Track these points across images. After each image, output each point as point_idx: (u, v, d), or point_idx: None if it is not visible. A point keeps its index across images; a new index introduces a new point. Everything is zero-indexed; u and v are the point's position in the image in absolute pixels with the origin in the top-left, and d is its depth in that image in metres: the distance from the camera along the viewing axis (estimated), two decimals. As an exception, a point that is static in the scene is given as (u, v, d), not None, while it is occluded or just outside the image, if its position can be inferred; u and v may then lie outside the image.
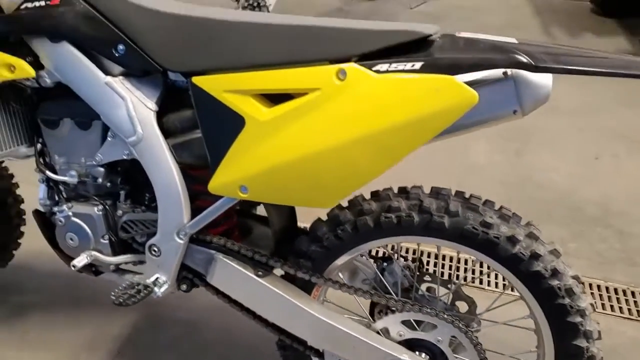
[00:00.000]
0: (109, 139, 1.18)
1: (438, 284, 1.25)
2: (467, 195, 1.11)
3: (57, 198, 1.32)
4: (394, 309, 1.15)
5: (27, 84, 1.19)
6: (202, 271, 1.24)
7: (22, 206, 1.69)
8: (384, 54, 0.96)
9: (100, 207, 1.26)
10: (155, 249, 1.21)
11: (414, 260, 1.31)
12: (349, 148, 0.97)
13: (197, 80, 1.05)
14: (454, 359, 1.16)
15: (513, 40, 0.95)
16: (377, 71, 0.94)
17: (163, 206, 1.16)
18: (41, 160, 1.30)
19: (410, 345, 1.17)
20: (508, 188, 2.43)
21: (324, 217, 1.19)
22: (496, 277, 1.89)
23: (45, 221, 1.36)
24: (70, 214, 1.27)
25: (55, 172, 1.28)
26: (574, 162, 2.61)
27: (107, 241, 1.28)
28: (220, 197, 1.13)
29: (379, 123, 0.94)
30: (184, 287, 1.27)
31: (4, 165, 1.62)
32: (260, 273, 1.18)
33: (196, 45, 1.06)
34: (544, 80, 0.96)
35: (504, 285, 1.84)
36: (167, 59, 1.08)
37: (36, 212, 1.37)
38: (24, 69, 1.13)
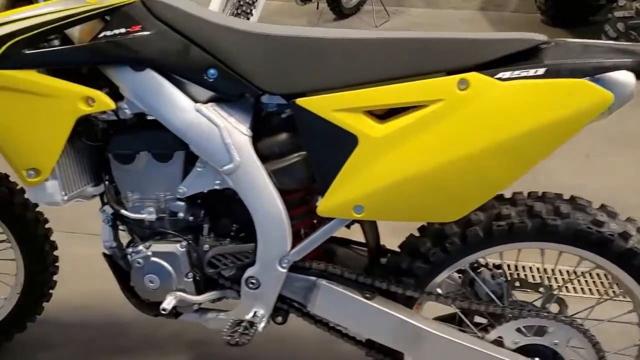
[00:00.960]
0: (197, 169, 1.11)
1: (544, 288, 1.24)
2: (566, 197, 1.14)
3: (132, 238, 1.22)
4: (509, 316, 1.15)
5: (101, 117, 1.10)
6: (301, 300, 1.18)
7: (56, 252, 1.55)
8: (499, 63, 0.97)
9: (184, 243, 1.18)
10: (254, 281, 1.14)
11: (497, 268, 1.32)
12: (480, 157, 0.96)
13: (301, 102, 1.02)
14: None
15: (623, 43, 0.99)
16: (500, 79, 0.95)
17: (264, 235, 1.10)
18: (111, 199, 1.20)
19: (525, 351, 1.16)
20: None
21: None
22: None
23: (115, 265, 1.26)
24: (149, 254, 1.18)
25: (127, 211, 1.19)
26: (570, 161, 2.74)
27: (191, 279, 1.19)
28: (324, 220, 1.10)
29: (512, 130, 0.94)
30: (279, 318, 1.20)
31: (38, 209, 1.48)
32: (368, 295, 1.14)
33: (300, 66, 1.03)
34: (629, 78, 1.00)
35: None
36: (266, 81, 1.04)
37: (107, 257, 1.26)
38: (103, 102, 1.05)
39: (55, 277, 1.56)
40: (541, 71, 0.94)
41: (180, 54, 1.04)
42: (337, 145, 1.02)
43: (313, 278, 1.15)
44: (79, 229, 2.10)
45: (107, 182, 1.18)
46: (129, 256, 1.20)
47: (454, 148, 0.97)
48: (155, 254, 1.18)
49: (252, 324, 1.13)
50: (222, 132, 1.05)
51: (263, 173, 1.08)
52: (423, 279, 1.17)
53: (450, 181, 0.99)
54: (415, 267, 1.15)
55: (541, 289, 1.26)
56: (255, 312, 1.15)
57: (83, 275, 1.87)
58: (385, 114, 1.03)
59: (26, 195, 1.11)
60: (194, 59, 1.04)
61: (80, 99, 1.04)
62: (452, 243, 1.12)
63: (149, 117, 1.11)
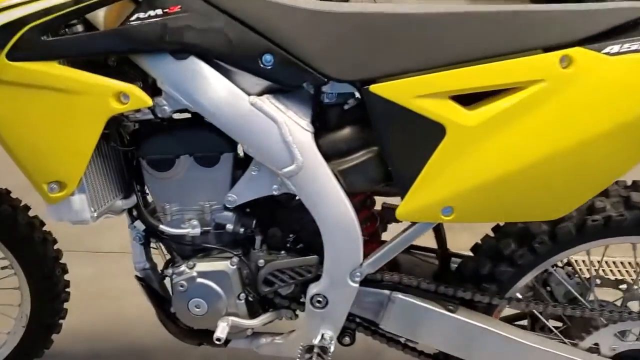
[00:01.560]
0: (252, 172, 0.95)
1: (627, 285, 1.13)
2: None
3: (171, 258, 1.05)
4: (608, 320, 1.03)
5: (134, 116, 0.93)
6: (371, 317, 1.03)
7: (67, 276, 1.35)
8: (605, 36, 0.85)
9: (235, 260, 1.01)
10: (320, 299, 0.99)
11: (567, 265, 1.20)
12: (593, 143, 0.84)
13: (377, 88, 0.87)
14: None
15: None
16: (609, 53, 0.83)
17: (333, 245, 0.95)
18: (145, 213, 1.02)
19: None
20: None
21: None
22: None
23: (149, 288, 1.08)
24: (194, 274, 1.01)
25: (165, 226, 1.01)
26: None
27: (243, 301, 1.03)
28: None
29: (628, 109, 0.82)
30: (346, 339, 1.05)
31: (46, 227, 1.28)
32: (451, 307, 1.00)
33: (373, 47, 0.88)
34: None
35: None
36: (333, 66, 0.89)
37: (140, 280, 1.08)
38: (139, 98, 0.88)
39: (65, 305, 1.37)
40: (649, 41, 0.82)
41: (229, 38, 0.87)
42: (421, 137, 0.88)
43: (386, 292, 1.01)
44: (78, 247, 1.90)
45: (139, 194, 1.01)
46: (168, 279, 1.03)
47: (561, 135, 0.84)
48: (201, 274, 1.01)
49: (324, 349, 0.97)
50: (281, 128, 0.90)
51: (330, 174, 0.93)
52: (506, 284, 1.04)
53: (558, 173, 0.86)
54: (498, 272, 1.02)
55: (622, 286, 1.16)
56: (322, 335, 1.00)
57: (89, 298, 1.68)
58: (469, 101, 0.89)
59: (49, 214, 0.93)
60: (246, 43, 0.88)
61: (112, 96, 0.86)
62: (542, 242, 1.00)
63: (192, 114, 0.95)
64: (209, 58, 0.89)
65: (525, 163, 0.86)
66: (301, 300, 1.05)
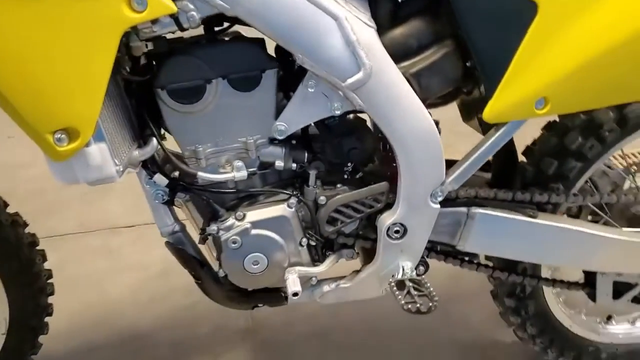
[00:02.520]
0: (308, 90, 0.76)
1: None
2: None
3: (214, 212, 0.84)
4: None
5: (149, 31, 0.69)
6: (447, 239, 0.92)
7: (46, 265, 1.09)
8: None
9: (292, 201, 0.84)
10: (398, 229, 0.85)
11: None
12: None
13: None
14: None
15: None
16: None
17: (412, 163, 0.81)
18: (170, 161, 0.81)
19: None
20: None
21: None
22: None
23: (183, 254, 0.88)
24: (247, 226, 0.83)
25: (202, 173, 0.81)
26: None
27: (305, 247, 0.87)
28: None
29: None
30: (421, 269, 0.93)
31: (9, 208, 1.00)
32: (532, 213, 0.92)
33: None
34: None
35: None
36: None
37: (172, 245, 0.87)
38: (160, 2, 0.65)
39: (50, 300, 1.11)
40: None
41: None
42: (510, 20, 0.75)
43: (463, 209, 0.90)
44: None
45: (158, 138, 0.79)
46: (213, 238, 0.84)
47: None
48: (256, 224, 0.83)
49: (417, 281, 0.85)
50: (343, 26, 0.72)
51: (403, 79, 0.77)
52: (573, 181, 0.97)
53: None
54: (566, 169, 0.95)
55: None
56: (403, 268, 0.88)
57: (66, 289, 1.41)
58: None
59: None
60: None
61: (122, 1, 0.63)
62: (611, 130, 0.93)
63: (222, 24, 0.74)
64: None
65: (624, 37, 0.76)
66: (366, 235, 0.91)
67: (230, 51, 0.75)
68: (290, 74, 0.80)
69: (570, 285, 1.04)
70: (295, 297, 0.84)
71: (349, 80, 0.74)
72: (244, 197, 0.85)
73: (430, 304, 0.83)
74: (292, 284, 0.83)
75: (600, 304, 1.05)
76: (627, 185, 1.14)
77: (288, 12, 0.70)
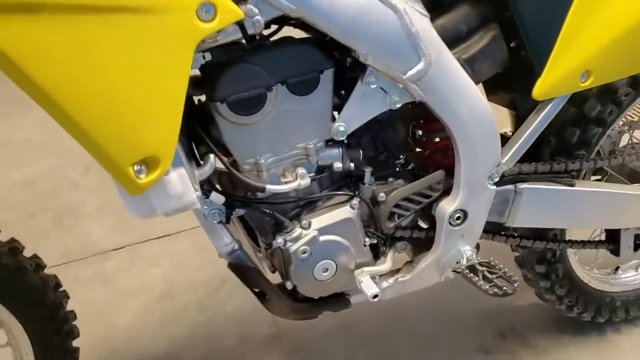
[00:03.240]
0: (370, 85, 0.73)
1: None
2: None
3: (278, 224, 0.80)
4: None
5: (213, 41, 0.63)
6: (496, 218, 0.94)
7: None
8: None
9: (354, 201, 0.82)
10: (460, 215, 0.86)
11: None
12: None
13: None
14: None
15: None
16: None
17: (471, 148, 0.81)
18: (229, 177, 0.75)
19: None
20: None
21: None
22: None
23: (245, 273, 0.83)
24: (315, 233, 0.79)
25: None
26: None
27: (368, 246, 0.85)
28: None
29: None
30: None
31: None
32: (570, 182, 0.95)
33: None
34: None
35: None
36: None
37: (234, 266, 0.82)
38: (228, 8, 0.60)
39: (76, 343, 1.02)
40: None
41: None
42: (555, -2, 0.77)
43: (511, 187, 0.91)
44: None
45: (218, 154, 0.73)
46: (280, 251, 0.80)
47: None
48: (323, 230, 0.80)
49: (490, 265, 0.86)
50: (403, 18, 0.70)
51: (458, 65, 0.77)
52: (593, 145, 1.02)
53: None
54: (589, 135, 1.00)
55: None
56: (465, 253, 0.88)
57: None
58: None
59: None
60: None
61: (195, 10, 0.57)
62: (627, 94, 0.99)
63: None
64: None
65: (657, 4, 0.80)
66: (421, 225, 0.91)
67: (288, 54, 0.71)
68: (342, 71, 0.77)
69: (597, 244, 1.10)
70: (376, 299, 0.82)
71: (410, 72, 0.73)
72: (306, 203, 0.82)
73: (514, 284, 0.85)
74: (369, 286, 0.82)
75: (623, 257, 1.13)
76: (624, 141, 1.22)
77: (351, 8, 0.67)
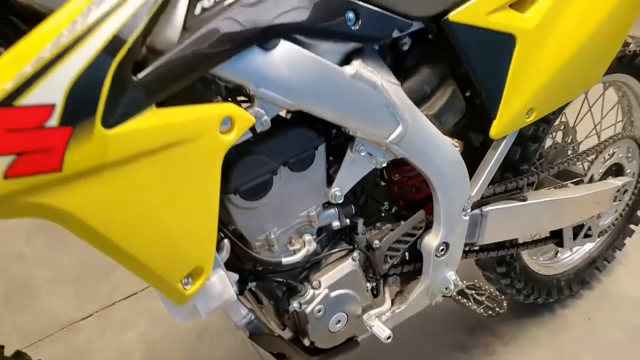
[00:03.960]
0: (360, 153, 0.81)
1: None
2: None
3: (291, 289, 0.85)
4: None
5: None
6: (469, 240, 1.05)
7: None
8: None
9: (355, 254, 0.89)
10: (443, 247, 0.96)
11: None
12: (612, 13, 0.97)
13: (455, 17, 0.82)
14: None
15: None
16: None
17: (447, 188, 0.92)
18: (242, 257, 0.79)
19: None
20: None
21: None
22: None
23: (272, 340, 0.87)
24: (326, 291, 0.86)
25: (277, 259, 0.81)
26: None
27: (370, 290, 0.93)
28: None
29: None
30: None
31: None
32: (523, 197, 1.09)
33: None
34: None
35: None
36: (417, 4, 0.79)
37: (254, 336, 0.85)
38: (242, 117, 0.64)
39: None
40: None
41: (309, 5, 0.69)
42: (499, 51, 0.88)
43: (477, 211, 1.04)
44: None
45: (233, 239, 0.77)
46: (296, 314, 0.85)
47: (595, 12, 0.95)
48: (332, 287, 0.87)
49: (477, 287, 0.97)
50: (382, 91, 0.78)
51: (428, 122, 0.87)
52: (532, 159, 1.18)
53: (597, 45, 0.98)
54: (528, 152, 1.15)
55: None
56: (451, 280, 0.99)
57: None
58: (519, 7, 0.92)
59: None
60: (326, 5, 0.71)
61: (214, 125, 0.61)
62: (554, 112, 1.15)
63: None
64: (295, 36, 0.69)
65: (576, 45, 0.95)
66: (409, 260, 1.01)
67: (287, 138, 0.77)
68: (330, 143, 0.84)
69: (546, 240, 1.27)
70: (389, 340, 0.90)
71: (392, 136, 0.82)
72: (312, 264, 0.88)
73: (503, 302, 0.97)
74: (381, 330, 0.90)
75: (566, 246, 1.31)
76: (548, 143, 1.40)
77: (342, 95, 0.74)
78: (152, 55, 0.53)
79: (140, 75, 0.51)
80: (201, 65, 0.58)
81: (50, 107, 0.45)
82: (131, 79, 0.50)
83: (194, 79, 0.58)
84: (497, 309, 0.97)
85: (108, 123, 0.49)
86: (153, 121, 0.53)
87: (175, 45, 0.55)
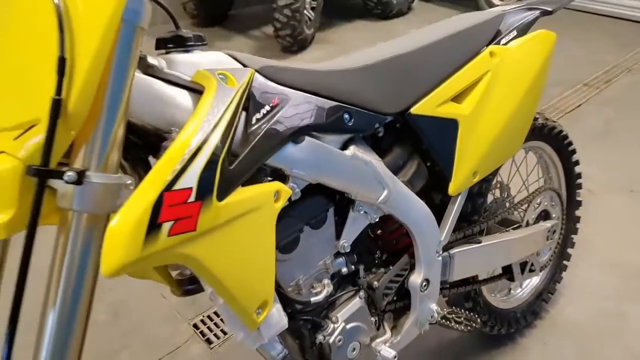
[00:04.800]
0: (359, 212, 1.09)
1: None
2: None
3: (316, 325, 1.07)
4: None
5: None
6: (443, 278, 1.33)
7: None
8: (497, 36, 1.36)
9: (361, 293, 1.14)
10: (425, 283, 1.23)
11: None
12: (523, 98, 1.34)
13: (416, 110, 1.16)
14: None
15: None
16: (505, 44, 1.34)
17: (422, 236, 1.21)
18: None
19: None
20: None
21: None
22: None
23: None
24: (342, 324, 1.09)
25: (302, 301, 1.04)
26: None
27: (374, 323, 1.17)
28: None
29: (528, 75, 1.35)
30: (433, 305, 1.32)
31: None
32: (478, 240, 1.40)
33: (405, 82, 1.15)
34: None
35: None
36: (389, 105, 1.12)
37: None
38: (285, 191, 0.91)
39: None
40: (514, 32, 1.38)
41: (325, 113, 0.99)
42: (448, 133, 1.22)
43: (446, 254, 1.32)
44: None
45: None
46: (322, 345, 1.07)
47: (512, 97, 1.32)
48: (347, 320, 1.10)
49: (455, 312, 1.23)
50: (372, 167, 1.08)
51: (404, 186, 1.17)
52: (480, 210, 1.50)
53: (516, 121, 1.34)
54: (477, 205, 1.47)
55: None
56: (434, 309, 1.25)
57: None
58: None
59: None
60: (333, 111, 1.01)
61: (268, 200, 0.88)
62: (492, 173, 1.49)
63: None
64: (312, 133, 0.98)
65: (501, 123, 1.30)
66: (399, 299, 1.26)
67: (309, 204, 1.03)
68: (337, 204, 1.11)
69: (501, 276, 1.57)
70: (396, 359, 1.13)
71: (380, 199, 1.10)
72: (328, 305, 1.12)
73: (478, 319, 1.23)
74: (388, 352, 1.13)
75: (517, 280, 1.61)
76: (490, 199, 1.74)
77: (346, 168, 1.03)
78: (236, 154, 0.80)
79: (232, 167, 0.78)
80: (263, 157, 0.85)
81: (190, 190, 0.70)
82: (229, 169, 0.77)
83: (259, 166, 0.85)
84: (474, 325, 1.23)
85: (219, 198, 0.74)
86: (240, 195, 0.79)
87: (248, 145, 0.83)
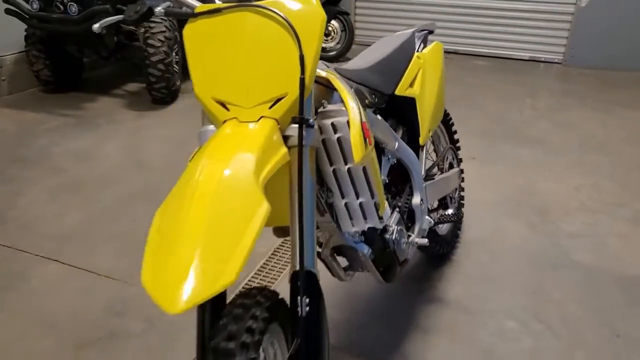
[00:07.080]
0: (388, 156, 1.71)
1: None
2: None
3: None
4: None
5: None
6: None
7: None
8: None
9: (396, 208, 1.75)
10: (422, 200, 1.89)
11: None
12: (439, 85, 2.12)
13: (397, 92, 1.84)
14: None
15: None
16: (421, 51, 2.12)
17: (415, 172, 1.88)
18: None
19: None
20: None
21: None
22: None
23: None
24: (395, 227, 1.68)
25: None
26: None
27: (405, 227, 1.78)
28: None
29: (438, 70, 2.15)
30: (423, 221, 1.99)
31: None
32: (434, 176, 2.11)
33: (391, 74, 1.82)
34: None
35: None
36: (388, 88, 1.78)
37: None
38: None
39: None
40: (422, 44, 2.17)
41: (369, 95, 1.61)
42: (413, 105, 1.93)
43: (424, 184, 2.01)
44: None
45: None
46: (387, 242, 1.65)
47: (435, 82, 2.09)
48: (397, 224, 1.70)
49: (442, 215, 1.90)
50: (389, 127, 1.72)
51: (401, 140, 1.83)
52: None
53: (439, 98, 2.11)
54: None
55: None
56: (428, 219, 1.91)
57: None
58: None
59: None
60: (368, 92, 1.63)
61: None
62: (425, 138, 2.25)
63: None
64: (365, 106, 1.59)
65: (434, 97, 2.07)
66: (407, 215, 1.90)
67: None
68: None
69: (439, 207, 2.31)
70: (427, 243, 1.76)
71: (395, 147, 1.75)
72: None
73: (459, 212, 1.91)
74: (420, 240, 1.76)
75: (450, 207, 2.37)
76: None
77: (381, 128, 1.65)
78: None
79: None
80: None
81: (366, 123, 1.26)
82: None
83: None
84: (459, 215, 1.94)
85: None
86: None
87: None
